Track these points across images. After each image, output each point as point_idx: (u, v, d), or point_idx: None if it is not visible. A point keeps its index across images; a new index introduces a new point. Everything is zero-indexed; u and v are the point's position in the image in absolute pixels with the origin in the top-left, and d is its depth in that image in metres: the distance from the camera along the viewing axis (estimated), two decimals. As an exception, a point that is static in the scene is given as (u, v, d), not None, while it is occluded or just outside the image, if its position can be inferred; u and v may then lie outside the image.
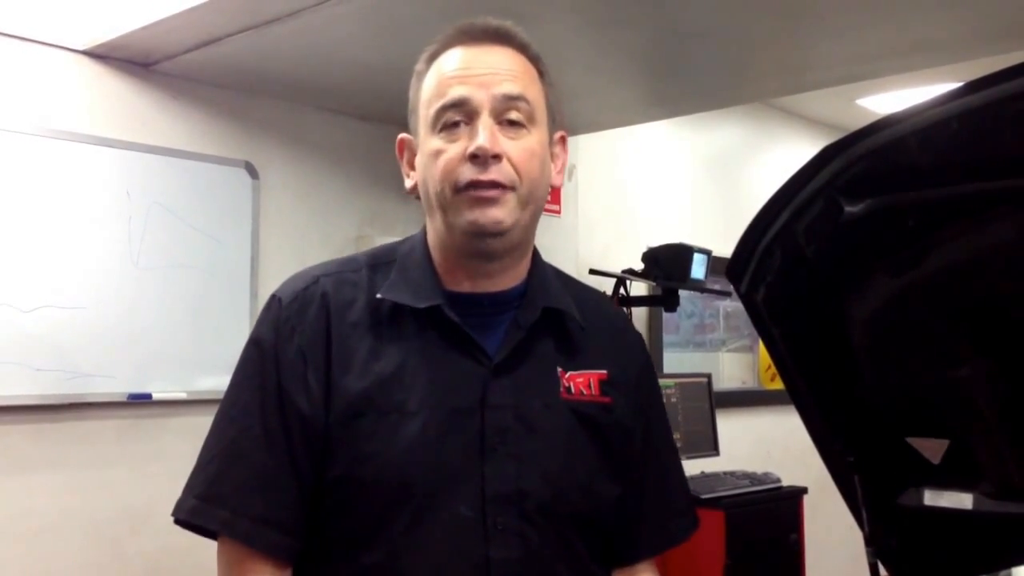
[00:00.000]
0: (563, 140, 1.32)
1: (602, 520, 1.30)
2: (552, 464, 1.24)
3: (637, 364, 1.38)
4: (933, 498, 1.56)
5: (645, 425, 1.36)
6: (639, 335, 1.47)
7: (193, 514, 1.22)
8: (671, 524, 1.40)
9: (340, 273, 1.29)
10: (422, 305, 1.24)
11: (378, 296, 1.24)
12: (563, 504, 1.24)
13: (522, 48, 1.26)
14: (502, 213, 1.20)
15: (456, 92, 1.20)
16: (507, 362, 1.24)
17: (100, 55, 2.82)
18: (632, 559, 1.37)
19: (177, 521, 1.24)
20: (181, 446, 2.89)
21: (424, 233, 1.33)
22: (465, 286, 1.27)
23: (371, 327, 1.24)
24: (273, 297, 1.29)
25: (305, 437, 1.21)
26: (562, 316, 1.30)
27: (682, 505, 1.42)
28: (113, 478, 2.82)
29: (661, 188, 4.63)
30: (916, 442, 1.57)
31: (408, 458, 1.19)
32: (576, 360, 1.30)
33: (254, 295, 3.08)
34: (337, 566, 1.21)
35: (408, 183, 1.30)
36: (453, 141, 1.20)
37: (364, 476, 1.19)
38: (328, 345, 1.22)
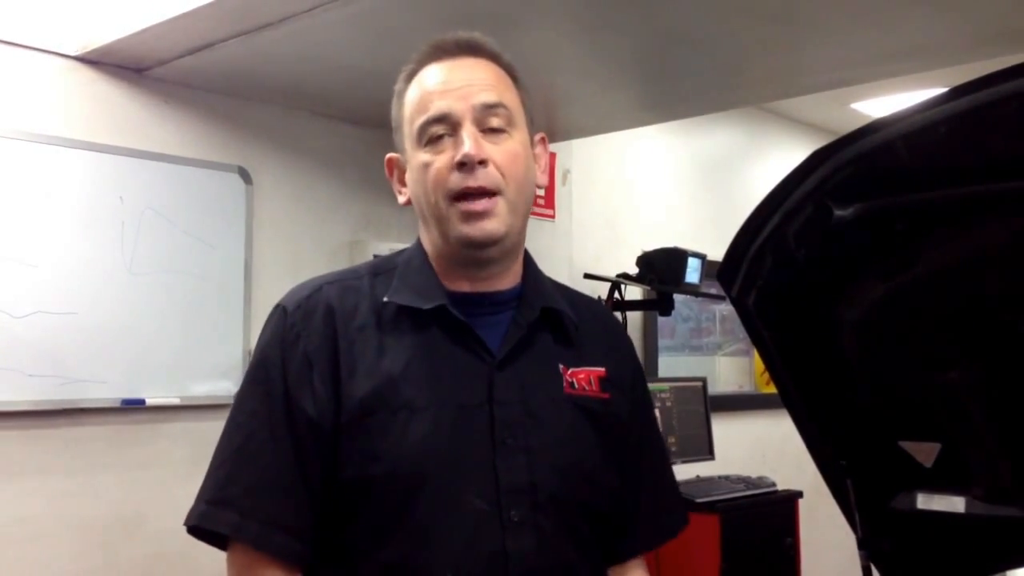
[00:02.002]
0: (543, 141, 1.37)
1: (607, 510, 1.34)
2: (560, 456, 1.28)
3: (631, 365, 1.43)
4: (925, 501, 1.56)
5: (640, 423, 1.42)
6: (629, 338, 1.53)
7: (202, 518, 1.24)
8: (664, 519, 1.45)
9: (343, 281, 1.33)
10: (427, 306, 1.28)
11: (384, 300, 1.28)
12: (573, 495, 1.28)
13: (494, 58, 1.32)
14: (494, 224, 1.25)
15: (438, 106, 1.26)
16: (510, 358, 1.28)
17: (92, 60, 2.82)
18: (625, 554, 1.41)
19: (189, 530, 1.26)
20: (175, 452, 2.90)
21: (419, 242, 1.37)
22: (464, 287, 1.32)
23: (376, 329, 1.28)
24: (277, 306, 1.33)
25: (312, 441, 1.23)
26: (559, 316, 1.34)
27: (674, 501, 1.48)
28: (106, 484, 2.81)
29: (655, 192, 4.64)
30: (908, 446, 1.58)
31: (420, 453, 1.22)
32: (576, 357, 1.34)
33: (248, 300, 3.08)
34: (356, 564, 1.23)
35: (401, 199, 1.35)
36: (439, 153, 1.26)
37: (377, 473, 1.21)
38: (335, 350, 1.25)
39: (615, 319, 1.56)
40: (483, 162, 1.24)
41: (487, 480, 1.23)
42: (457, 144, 1.24)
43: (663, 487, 1.46)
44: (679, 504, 1.48)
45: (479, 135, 1.25)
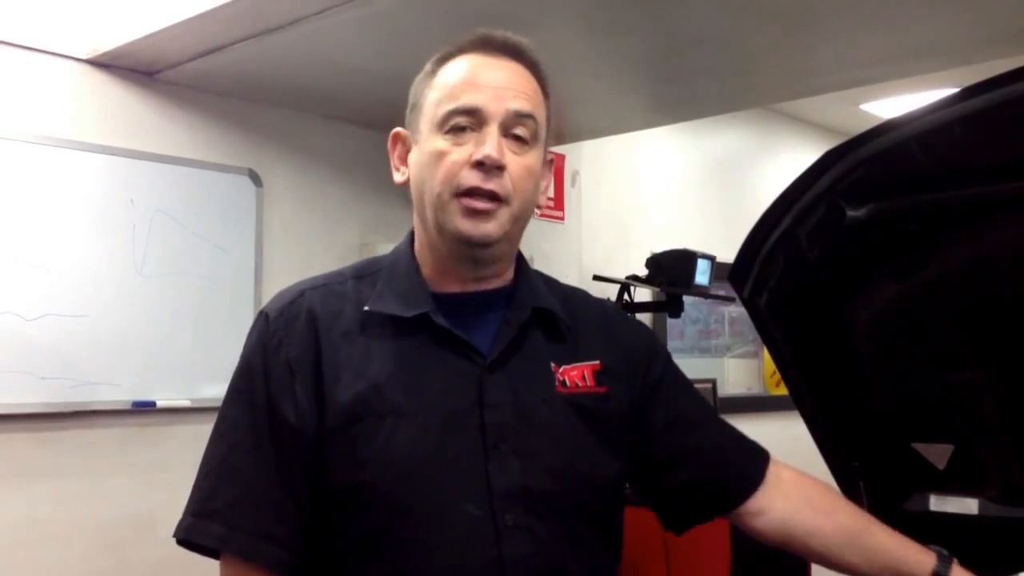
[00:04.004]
0: (551, 163, 1.36)
1: (606, 509, 1.32)
2: (555, 458, 1.25)
3: (635, 350, 1.39)
4: (938, 503, 1.55)
5: (673, 394, 1.39)
6: (638, 323, 1.49)
7: (189, 531, 1.22)
8: (750, 463, 1.42)
9: (326, 286, 1.31)
10: (410, 314, 1.25)
11: (366, 309, 1.25)
12: (568, 496, 1.25)
13: (533, 67, 1.29)
14: (493, 227, 1.22)
15: (470, 98, 1.22)
16: (501, 360, 1.26)
17: (103, 64, 2.83)
18: (762, 475, 1.39)
19: (179, 542, 1.24)
20: (185, 454, 2.89)
21: (411, 238, 1.34)
22: (453, 287, 1.29)
23: (361, 334, 1.25)
24: (260, 313, 1.30)
25: (295, 450, 1.21)
26: (551, 315, 1.32)
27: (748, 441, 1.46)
28: (117, 486, 2.82)
29: (665, 194, 4.63)
30: (921, 447, 1.57)
31: (409, 460, 1.19)
32: (569, 354, 1.31)
33: (258, 302, 3.08)
34: (349, 573, 1.21)
35: (399, 177, 1.32)
36: (459, 145, 1.22)
37: (365, 480, 1.19)
38: (318, 356, 1.23)
39: (616, 310, 1.52)
40: (500, 168, 1.21)
41: (479, 485, 1.20)
42: (479, 142, 1.21)
43: (734, 435, 1.44)
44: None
45: (503, 140, 1.22)
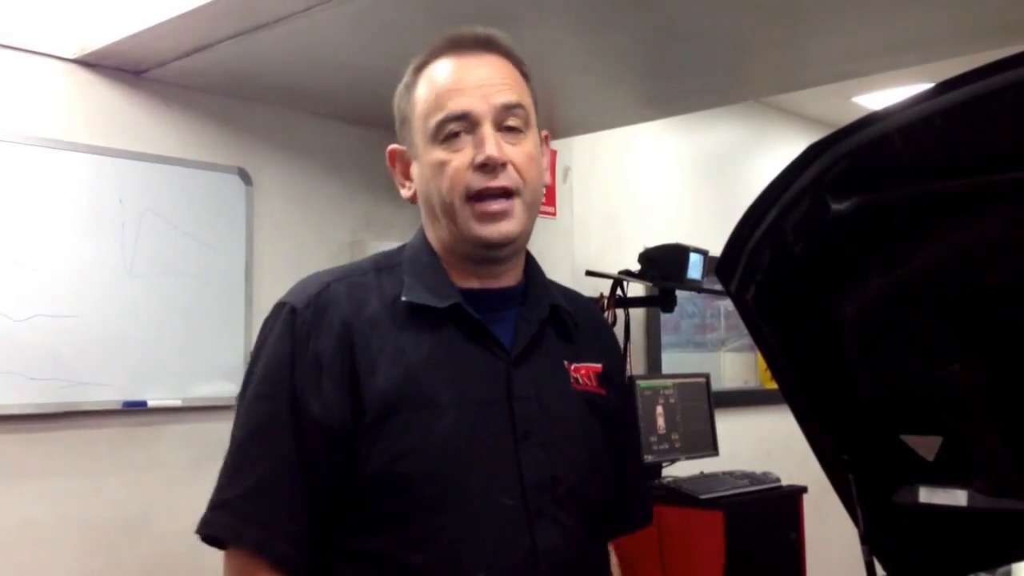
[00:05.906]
0: (547, 139, 1.38)
1: (608, 502, 1.36)
2: (575, 450, 1.30)
3: (618, 361, 1.48)
4: (928, 495, 1.56)
5: (625, 413, 1.49)
6: (615, 333, 1.59)
7: (204, 525, 1.23)
8: (647, 505, 1.54)
9: (350, 277, 1.31)
10: (443, 304, 1.27)
11: (402, 299, 1.27)
12: (588, 488, 1.30)
13: (508, 54, 1.31)
14: (511, 225, 1.26)
15: (457, 104, 1.24)
16: (523, 355, 1.29)
17: (90, 63, 2.82)
18: (624, 531, 1.47)
19: (202, 539, 1.25)
20: (176, 453, 2.90)
21: (423, 238, 1.35)
22: (473, 283, 1.31)
23: (391, 327, 1.26)
24: (283, 305, 1.29)
25: (318, 443, 1.21)
26: (561, 313, 1.36)
27: (649, 499, 1.59)
28: (109, 486, 2.81)
29: (657, 188, 4.63)
30: (910, 439, 1.57)
31: (444, 451, 1.21)
32: (576, 354, 1.36)
33: (249, 301, 3.08)
34: (386, 567, 1.22)
35: (405, 193, 1.34)
36: (457, 151, 1.24)
37: (402, 472, 1.20)
38: (351, 348, 1.23)
39: (603, 316, 1.59)
40: (504, 164, 1.24)
41: (511, 476, 1.23)
42: (477, 144, 1.23)
43: (643, 476, 1.58)
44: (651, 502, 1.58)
45: (498, 135, 1.24)
